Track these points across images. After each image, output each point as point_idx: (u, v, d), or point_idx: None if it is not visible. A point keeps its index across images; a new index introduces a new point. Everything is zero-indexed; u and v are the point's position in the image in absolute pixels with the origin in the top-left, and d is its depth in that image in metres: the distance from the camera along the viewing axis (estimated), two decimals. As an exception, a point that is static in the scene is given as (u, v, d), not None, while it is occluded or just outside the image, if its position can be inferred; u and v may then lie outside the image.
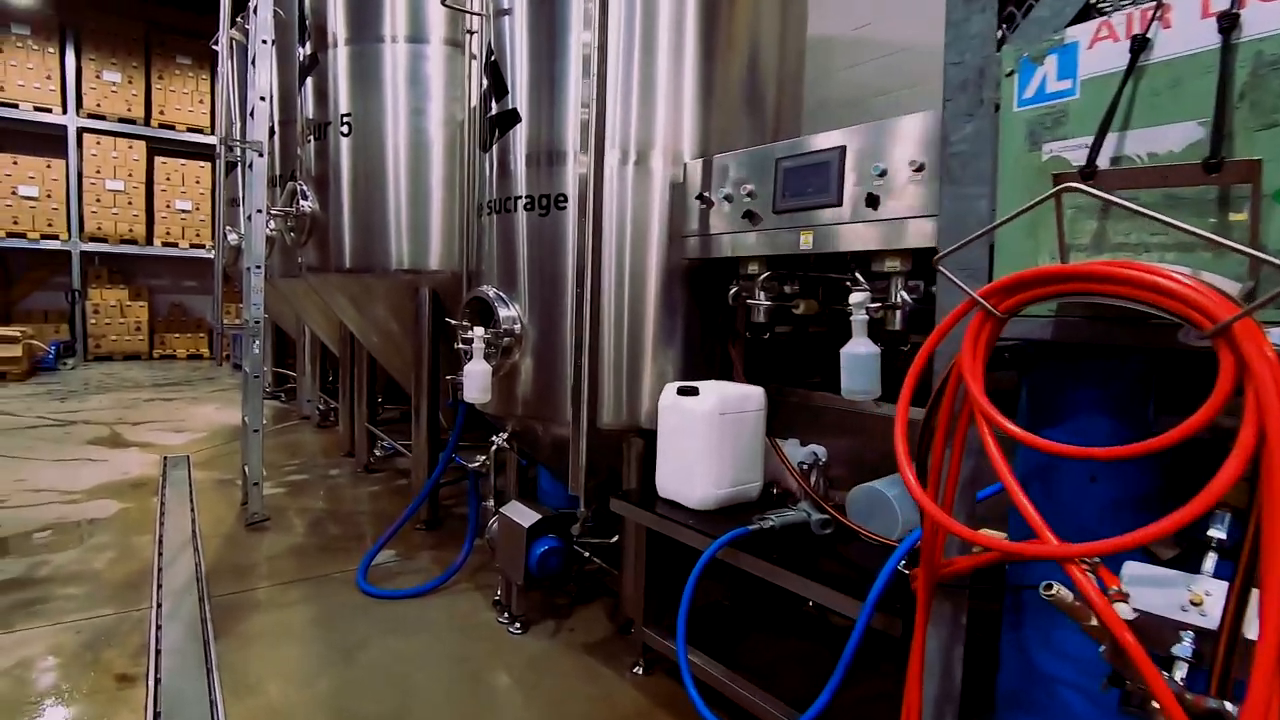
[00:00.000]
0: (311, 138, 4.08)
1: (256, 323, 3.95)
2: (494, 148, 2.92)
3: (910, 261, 1.87)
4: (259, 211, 3.91)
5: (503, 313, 2.83)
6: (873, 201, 1.89)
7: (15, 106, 10.97)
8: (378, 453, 5.15)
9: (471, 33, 3.34)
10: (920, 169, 1.79)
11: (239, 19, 7.26)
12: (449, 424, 4.48)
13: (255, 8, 4.17)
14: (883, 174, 1.87)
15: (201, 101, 12.33)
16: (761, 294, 2.31)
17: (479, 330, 2.73)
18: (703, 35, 2.68)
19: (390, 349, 4.61)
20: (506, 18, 2.86)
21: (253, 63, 4.07)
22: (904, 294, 1.88)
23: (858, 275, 1.98)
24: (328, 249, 4.07)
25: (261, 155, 3.90)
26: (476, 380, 2.73)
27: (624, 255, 2.67)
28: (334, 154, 3.96)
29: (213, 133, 12.24)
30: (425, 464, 4.10)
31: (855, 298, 1.90)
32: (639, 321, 2.70)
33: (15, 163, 10.94)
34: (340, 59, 3.97)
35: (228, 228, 7.46)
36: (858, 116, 4.28)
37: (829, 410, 2.48)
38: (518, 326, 2.82)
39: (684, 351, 2.74)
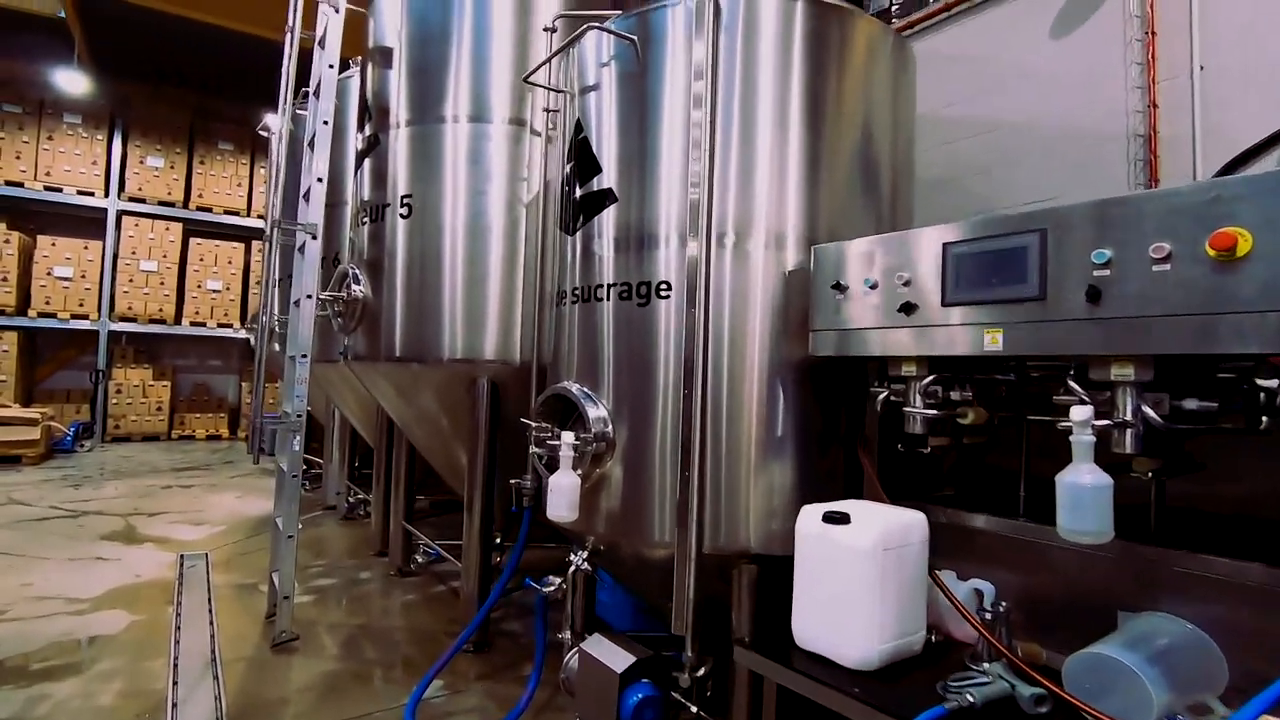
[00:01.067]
0: (367, 220, 3.86)
1: (298, 416, 3.61)
2: (579, 232, 2.63)
3: (1150, 369, 1.51)
4: (309, 297, 3.63)
5: (591, 413, 2.46)
6: (1094, 295, 1.54)
7: (60, 190, 11.12)
8: (419, 558, 4.64)
9: (551, 111, 3.13)
10: (1167, 258, 1.44)
11: (287, 106, 7.34)
12: (500, 529, 4.06)
13: (314, 91, 4.04)
14: (1107, 263, 1.52)
15: (240, 185, 12.51)
16: (919, 399, 1.94)
17: (569, 436, 2.36)
18: (809, 108, 2.42)
19: (436, 442, 4.24)
20: (593, 94, 2.63)
21: (310, 145, 3.90)
22: (1148, 409, 1.50)
23: (1073, 384, 1.61)
24: (378, 336, 3.77)
25: (315, 238, 3.66)
26: (565, 495, 2.33)
27: (722, 349, 2.33)
28: (390, 237, 3.72)
29: (250, 214, 12.38)
30: (476, 572, 3.65)
31: (1078, 414, 1.52)
32: (743, 425, 2.33)
33: (54, 244, 11.00)
34: (401, 140, 3.78)
35: (263, 309, 7.29)
36: (952, 195, 4.04)
37: (991, 536, 2.06)
38: (609, 430, 2.45)
39: (799, 461, 2.35)
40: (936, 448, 2.01)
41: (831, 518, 1.89)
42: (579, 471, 2.43)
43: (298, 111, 6.76)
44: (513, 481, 3.16)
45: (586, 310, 2.58)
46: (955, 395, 1.92)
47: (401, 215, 3.68)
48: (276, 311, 5.44)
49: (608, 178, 2.54)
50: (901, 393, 2.00)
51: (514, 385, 3.69)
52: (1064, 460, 1.54)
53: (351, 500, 6.39)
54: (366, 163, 3.94)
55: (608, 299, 2.50)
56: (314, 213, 3.67)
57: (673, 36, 2.43)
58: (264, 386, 5.39)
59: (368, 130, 3.97)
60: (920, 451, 2.02)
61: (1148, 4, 3.01)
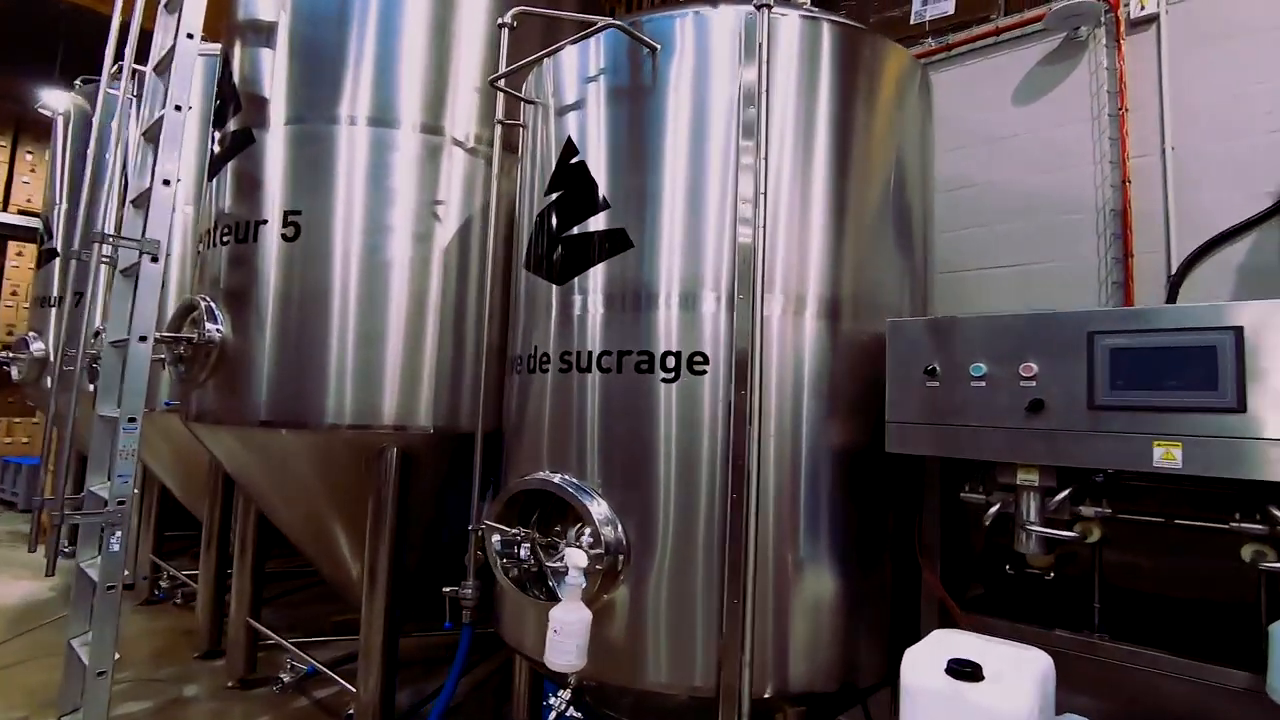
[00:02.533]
0: (229, 239, 2.96)
1: (121, 503, 2.62)
2: (568, 282, 2.08)
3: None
4: (143, 339, 2.68)
5: (597, 516, 1.89)
6: (1317, 415, 1.29)
7: None
8: (285, 676, 3.56)
9: (511, 124, 2.54)
10: None
11: (78, 81, 5.92)
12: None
13: (156, 66, 3.09)
14: (1338, 376, 1.29)
15: (-8, 173, 10.11)
16: (1035, 513, 1.62)
17: (578, 556, 1.77)
18: (837, 144, 2.08)
19: (306, 521, 3.36)
20: (595, 110, 2.11)
21: (150, 137, 2.94)
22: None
23: (1274, 512, 1.35)
24: (240, 391, 2.88)
25: (156, 260, 2.72)
26: (576, 637, 1.74)
27: (768, 439, 1.89)
28: (263, 263, 2.87)
29: (8, 209, 10.01)
30: (378, 694, 2.84)
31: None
32: (784, 533, 1.89)
33: None
34: (278, 141, 2.96)
35: (32, 334, 5.75)
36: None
37: (1088, 663, 1.78)
38: (622, 541, 1.89)
39: (846, 576, 1.96)
40: (1042, 569, 1.70)
41: (960, 672, 1.50)
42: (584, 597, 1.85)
43: (109, 91, 5.43)
44: (447, 590, 2.47)
45: (578, 382, 2.03)
46: (1087, 510, 1.62)
47: (284, 236, 2.85)
48: (84, 346, 4.16)
49: (615, 215, 2.01)
50: (1019, 505, 1.67)
51: (426, 456, 2.98)
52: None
53: (162, 583, 5.07)
54: (229, 166, 3.05)
55: (616, 370, 1.96)
56: (156, 225, 2.73)
57: (716, 49, 1.98)
58: (65, 447, 4.05)
59: (232, 125, 3.09)
60: (1029, 572, 1.70)
61: (1118, 80, 3.03)
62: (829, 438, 1.95)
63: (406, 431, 2.87)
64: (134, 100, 4.92)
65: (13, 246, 10.04)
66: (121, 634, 4.45)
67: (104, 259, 3.06)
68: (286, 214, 2.85)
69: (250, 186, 2.95)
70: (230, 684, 3.79)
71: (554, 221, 2.14)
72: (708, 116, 1.96)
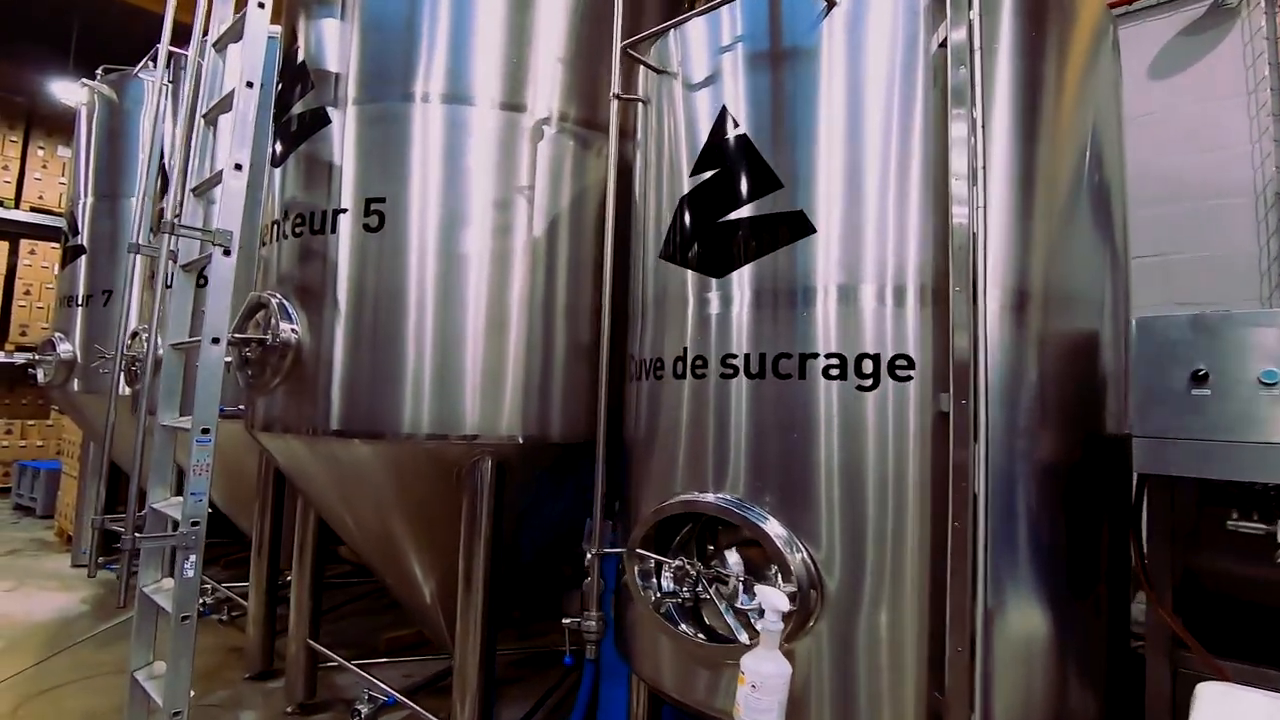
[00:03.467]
0: (303, 229, 2.69)
1: (195, 523, 2.35)
2: (730, 274, 1.80)
3: None
4: (216, 341, 2.40)
5: (792, 556, 1.62)
6: None
7: None
8: (363, 707, 3.22)
9: (632, 100, 2.27)
10: None
11: (99, 71, 5.63)
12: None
13: (217, 42, 2.81)
14: None
15: (5, 168, 9.83)
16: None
17: (775, 595, 1.50)
18: (1025, 107, 1.79)
19: (381, 543, 3.09)
20: (768, 74, 1.83)
21: (205, 119, 2.67)
22: None
23: None
24: (312, 397, 2.61)
25: (229, 253, 2.44)
26: (775, 692, 1.47)
27: (977, 453, 1.62)
28: (342, 256, 2.60)
29: (19, 206, 9.72)
30: (469, 738, 2.58)
31: None
32: (994, 565, 1.63)
33: None
34: (352, 122, 2.69)
35: (58, 335, 5.48)
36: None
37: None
38: (819, 577, 1.62)
39: (1055, 607, 1.69)
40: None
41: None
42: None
43: (139, 77, 5.17)
44: (568, 622, 2.20)
45: (745, 389, 1.75)
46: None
47: (366, 227, 2.58)
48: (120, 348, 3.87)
49: (790, 196, 1.74)
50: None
51: (513, 469, 2.71)
52: None
53: (207, 599, 4.81)
54: (299, 151, 2.77)
55: (799, 375, 1.68)
56: (228, 215, 2.46)
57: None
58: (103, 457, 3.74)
59: (300, 107, 2.81)
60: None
61: (1277, 48, 2.74)
62: (1035, 451, 1.68)
63: (486, 441, 2.59)
64: (168, 87, 4.65)
65: (25, 244, 9.76)
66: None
67: (171, 253, 2.79)
68: (368, 202, 2.58)
69: (324, 172, 2.68)
70: (289, 709, 3.53)
71: (705, 206, 1.87)
72: (896, 80, 1.69)
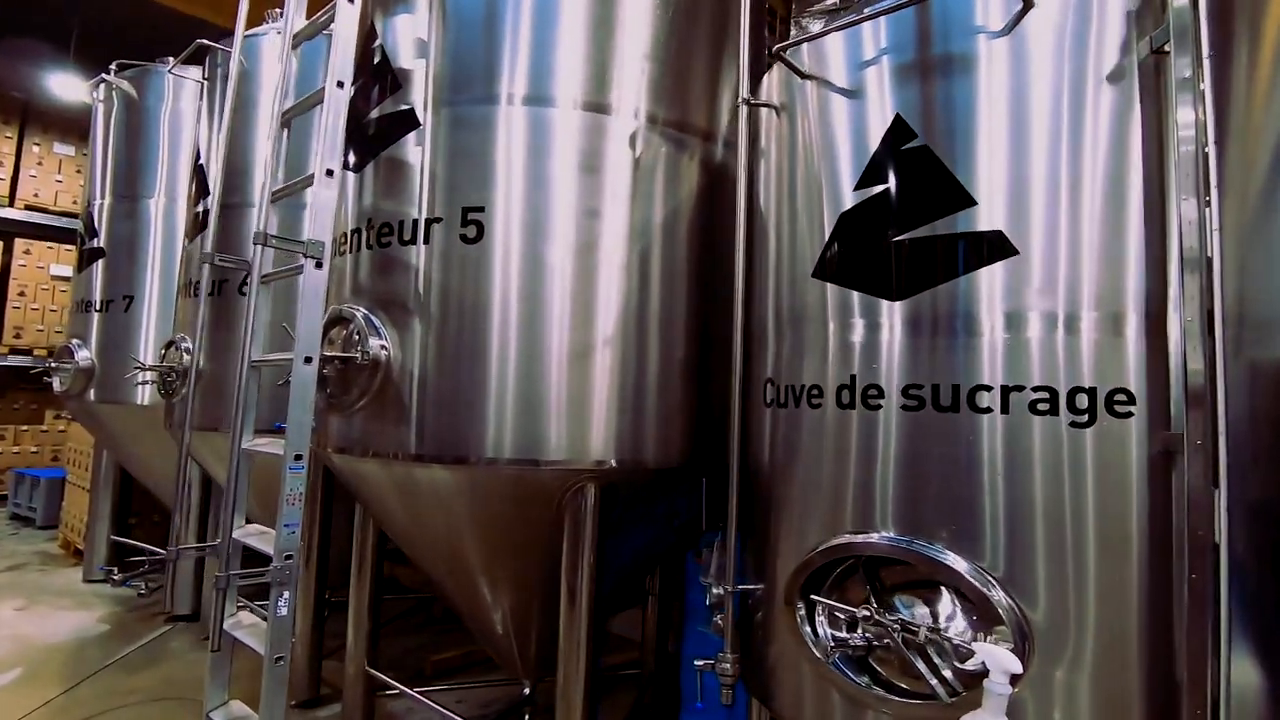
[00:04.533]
0: (390, 240, 2.52)
1: (289, 557, 2.18)
2: (923, 296, 1.67)
3: None
4: (309, 360, 2.23)
5: (1008, 613, 1.49)
6: None
7: None
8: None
9: (763, 107, 2.13)
10: None
11: (114, 67, 5.40)
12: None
13: (295, 33, 2.63)
14: None
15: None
16: None
17: (1005, 657, 1.37)
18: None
19: (454, 567, 2.92)
20: (943, 79, 1.70)
21: (282, 118, 2.49)
22: None
23: None
24: (399, 418, 2.45)
25: (321, 265, 2.27)
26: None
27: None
28: (436, 270, 2.43)
29: (13, 204, 9.38)
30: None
31: None
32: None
33: None
34: (440, 126, 2.53)
35: (75, 341, 5.24)
36: None
37: None
38: (1025, 631, 1.49)
39: (1270, 664, 1.58)
40: None
41: None
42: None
43: (161, 72, 4.95)
44: (700, 664, 2.06)
45: (940, 423, 1.62)
46: None
47: (465, 238, 2.42)
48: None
49: (994, 214, 1.61)
50: None
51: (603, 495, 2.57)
52: None
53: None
54: (384, 155, 2.60)
55: (999, 409, 1.56)
56: (320, 225, 2.28)
57: None
58: (184, 484, 3.52)
59: (378, 110, 2.64)
60: None
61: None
62: (1249, 493, 1.56)
63: (578, 466, 2.44)
64: (202, 85, 4.45)
65: (19, 244, 9.42)
66: (179, 676, 4.00)
67: (236, 262, 2.60)
68: (466, 211, 2.42)
69: (413, 179, 2.51)
70: (351, 745, 3.35)
71: (875, 222, 1.74)
72: (1104, 88, 1.57)
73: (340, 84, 2.34)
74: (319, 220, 2.28)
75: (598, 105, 2.58)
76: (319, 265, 2.26)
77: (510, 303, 2.42)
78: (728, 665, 2.00)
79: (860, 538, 1.68)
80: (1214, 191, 1.42)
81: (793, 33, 2.51)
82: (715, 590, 2.20)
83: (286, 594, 2.14)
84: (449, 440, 2.45)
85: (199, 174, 4.08)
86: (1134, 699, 1.46)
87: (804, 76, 1.96)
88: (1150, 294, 1.50)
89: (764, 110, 2.22)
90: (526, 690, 3.12)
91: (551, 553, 2.66)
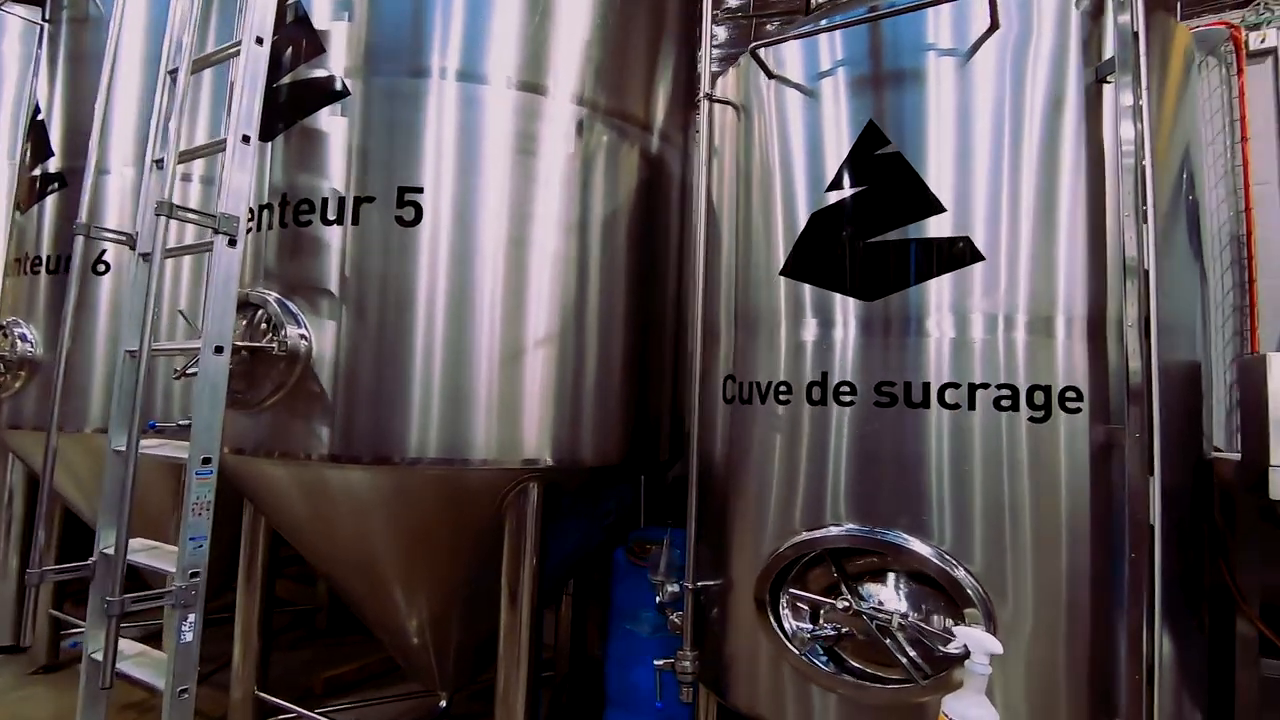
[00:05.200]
0: (310, 218, 2.27)
1: (195, 574, 1.90)
2: (891, 298, 1.74)
3: None
4: (219, 350, 1.96)
5: (976, 598, 1.58)
6: None
7: None
8: None
9: (718, 102, 2.13)
10: None
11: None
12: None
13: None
14: None
15: None
16: None
17: (986, 639, 1.45)
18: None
19: (384, 589, 2.69)
20: (906, 90, 1.78)
21: (189, 74, 2.18)
22: None
23: None
24: (327, 416, 2.23)
25: (235, 243, 2.00)
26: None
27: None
28: (372, 254, 2.23)
29: None
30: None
31: None
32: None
33: None
34: (365, 98, 2.32)
35: None
36: None
37: None
38: (999, 611, 1.59)
39: (1179, 635, 1.79)
40: None
41: None
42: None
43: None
44: (660, 664, 2.03)
45: (905, 420, 1.69)
46: None
47: (402, 220, 2.23)
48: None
49: (954, 220, 1.70)
50: None
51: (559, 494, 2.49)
52: None
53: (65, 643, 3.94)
54: (299, 125, 2.34)
55: (966, 405, 1.65)
56: (235, 197, 2.01)
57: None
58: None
59: (292, 75, 2.37)
60: None
61: (1233, 109, 3.08)
62: (1165, 478, 1.77)
63: (505, 466, 2.35)
64: (42, 27, 3.82)
65: None
66: (32, 720, 3.42)
67: (108, 237, 2.24)
68: (402, 191, 2.23)
69: (334, 152, 2.29)
70: (230, 775, 3.00)
71: (848, 225, 1.78)
72: (1058, 110, 1.70)
73: (260, 40, 2.08)
74: (233, 192, 2.01)
75: (534, 86, 2.48)
76: (232, 243, 2.00)
77: (439, 292, 2.26)
78: (688, 663, 1.98)
79: (834, 530, 1.72)
80: (1151, 211, 1.58)
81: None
82: (670, 587, 2.19)
83: (192, 617, 1.88)
84: (371, 439, 2.26)
85: (38, 131, 3.50)
86: (1083, 668, 1.60)
87: (771, 76, 1.98)
88: (1091, 301, 1.65)
89: (716, 107, 2.22)
90: (444, 704, 2.95)
91: (479, 557, 2.53)
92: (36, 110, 3.54)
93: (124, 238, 2.26)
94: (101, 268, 3.28)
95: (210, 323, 1.96)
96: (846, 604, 1.64)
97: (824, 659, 1.76)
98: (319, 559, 2.85)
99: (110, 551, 2.08)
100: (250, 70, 2.05)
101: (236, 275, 2.03)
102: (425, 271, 2.25)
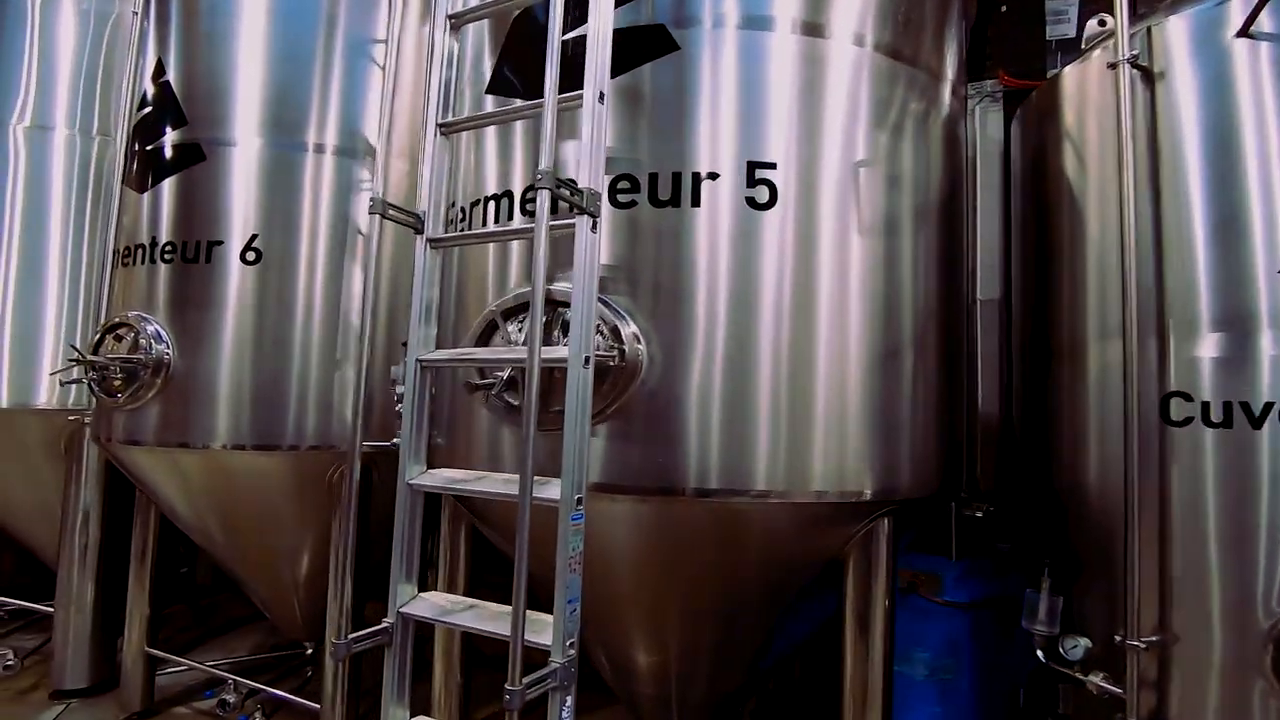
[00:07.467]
0: (666, 203, 1.83)
1: (572, 645, 1.48)
2: None
3: None
4: (587, 361, 1.55)
5: None
6: None
7: None
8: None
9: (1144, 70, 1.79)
10: None
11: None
12: None
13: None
14: None
15: None
16: None
17: None
18: None
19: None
20: None
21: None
22: None
23: None
24: (677, 441, 1.79)
25: (596, 229, 1.58)
26: None
27: None
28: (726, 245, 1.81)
29: None
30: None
31: None
32: None
33: None
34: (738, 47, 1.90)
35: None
36: None
37: None
38: None
39: None
40: None
41: None
42: None
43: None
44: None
45: None
46: None
47: (753, 202, 1.83)
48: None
49: None
50: None
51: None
52: None
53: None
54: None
55: None
56: (594, 165, 1.59)
57: None
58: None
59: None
60: None
61: None
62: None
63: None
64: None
65: None
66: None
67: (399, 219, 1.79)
68: (752, 167, 1.83)
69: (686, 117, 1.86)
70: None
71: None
72: None
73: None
74: (593, 157, 1.58)
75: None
76: (595, 227, 1.58)
77: (785, 293, 1.87)
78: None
79: None
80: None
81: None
82: (1070, 644, 1.85)
83: (570, 700, 1.47)
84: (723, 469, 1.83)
85: (164, 94, 2.95)
86: None
87: (1249, 35, 1.65)
88: None
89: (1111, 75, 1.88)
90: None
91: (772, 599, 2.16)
92: (161, 69, 2.98)
93: (411, 218, 1.79)
94: (251, 255, 2.76)
95: (576, 328, 1.54)
96: None
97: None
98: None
99: (411, 611, 1.65)
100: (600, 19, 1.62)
101: (598, 268, 1.60)
102: (772, 267, 1.85)
